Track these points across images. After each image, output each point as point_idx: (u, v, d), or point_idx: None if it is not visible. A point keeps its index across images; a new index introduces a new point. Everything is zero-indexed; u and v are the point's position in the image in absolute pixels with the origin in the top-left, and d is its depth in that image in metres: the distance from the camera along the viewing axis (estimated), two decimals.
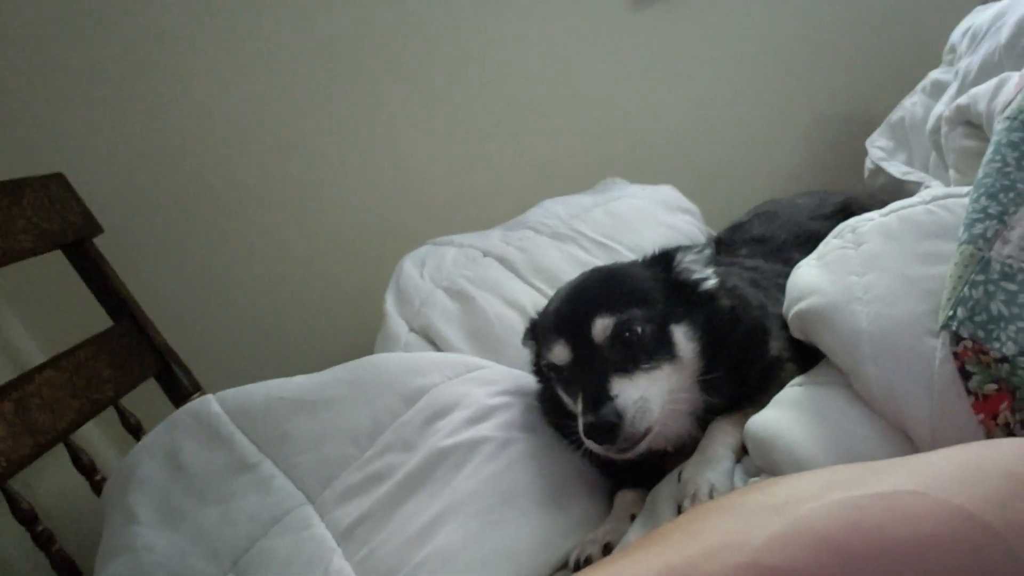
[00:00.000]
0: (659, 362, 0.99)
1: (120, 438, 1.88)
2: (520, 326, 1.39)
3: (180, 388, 1.88)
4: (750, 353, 1.04)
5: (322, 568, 0.97)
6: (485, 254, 1.61)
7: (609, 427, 0.92)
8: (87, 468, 1.58)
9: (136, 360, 1.80)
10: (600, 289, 1.08)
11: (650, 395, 0.96)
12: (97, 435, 2.05)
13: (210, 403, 1.24)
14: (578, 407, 0.98)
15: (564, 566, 0.96)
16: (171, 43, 2.01)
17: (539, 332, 1.13)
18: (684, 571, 0.50)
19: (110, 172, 2.04)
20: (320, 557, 0.99)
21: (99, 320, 1.81)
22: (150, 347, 1.86)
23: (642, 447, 0.96)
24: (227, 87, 2.05)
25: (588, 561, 0.92)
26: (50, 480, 1.63)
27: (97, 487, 1.59)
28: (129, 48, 2.00)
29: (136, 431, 1.75)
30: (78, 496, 1.64)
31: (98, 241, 1.84)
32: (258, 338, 2.21)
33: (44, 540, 1.39)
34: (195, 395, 1.86)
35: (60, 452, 1.51)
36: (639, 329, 0.99)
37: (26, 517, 1.37)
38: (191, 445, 1.19)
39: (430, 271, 1.61)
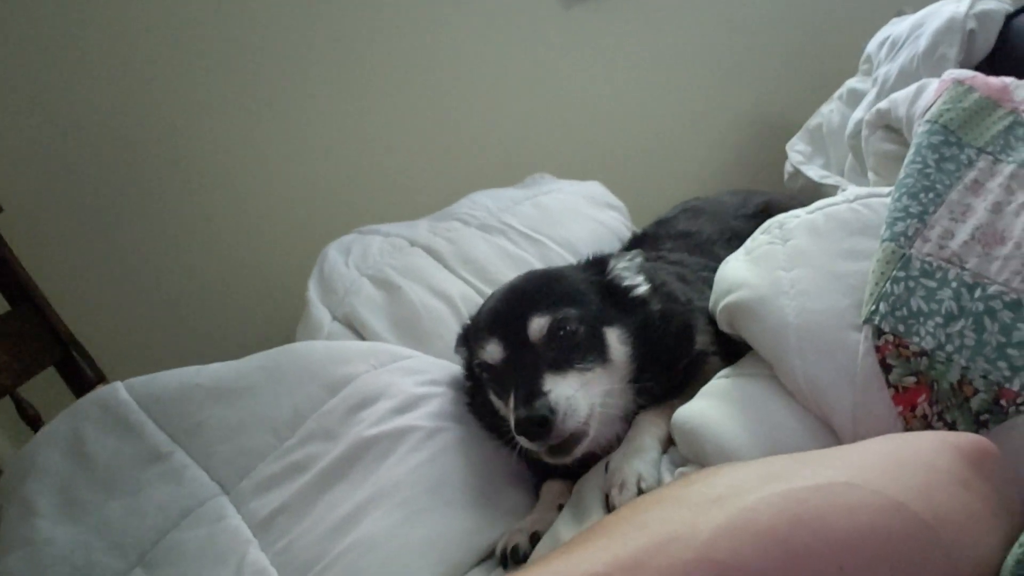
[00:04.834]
0: (592, 363, 0.99)
1: (17, 430, 1.79)
2: (447, 317, 1.39)
3: (82, 377, 1.80)
4: (678, 349, 1.06)
5: (236, 560, 0.94)
6: (412, 244, 1.58)
7: (541, 421, 0.91)
8: None
9: (35, 347, 1.72)
10: (536, 289, 1.08)
11: (582, 394, 0.95)
12: None
13: (118, 390, 1.18)
14: (509, 405, 0.97)
15: (490, 555, 0.96)
16: (76, 17, 1.91)
17: (472, 332, 1.11)
18: (632, 565, 0.50)
19: (10, 148, 1.93)
20: (234, 549, 0.96)
21: None
22: (51, 334, 1.77)
23: (578, 452, 0.96)
24: (140, 62, 1.96)
25: (515, 550, 0.92)
26: None
27: None
28: (27, 24, 1.89)
29: (35, 422, 1.67)
30: None
31: None
32: (170, 326, 2.13)
33: None
34: (99, 385, 1.78)
35: None
36: (574, 329, 1.00)
37: None
38: (97, 434, 1.13)
39: (355, 259, 1.58)
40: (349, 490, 1.01)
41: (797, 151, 1.80)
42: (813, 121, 1.84)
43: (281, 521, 0.99)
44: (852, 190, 1.03)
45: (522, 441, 0.94)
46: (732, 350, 1.03)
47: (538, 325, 0.99)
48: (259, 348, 1.24)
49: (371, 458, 1.04)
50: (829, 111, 1.81)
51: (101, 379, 1.82)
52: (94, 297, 2.05)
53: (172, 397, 1.15)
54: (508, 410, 0.97)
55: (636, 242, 1.51)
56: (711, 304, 1.05)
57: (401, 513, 0.97)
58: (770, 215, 1.09)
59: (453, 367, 1.21)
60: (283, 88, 2.05)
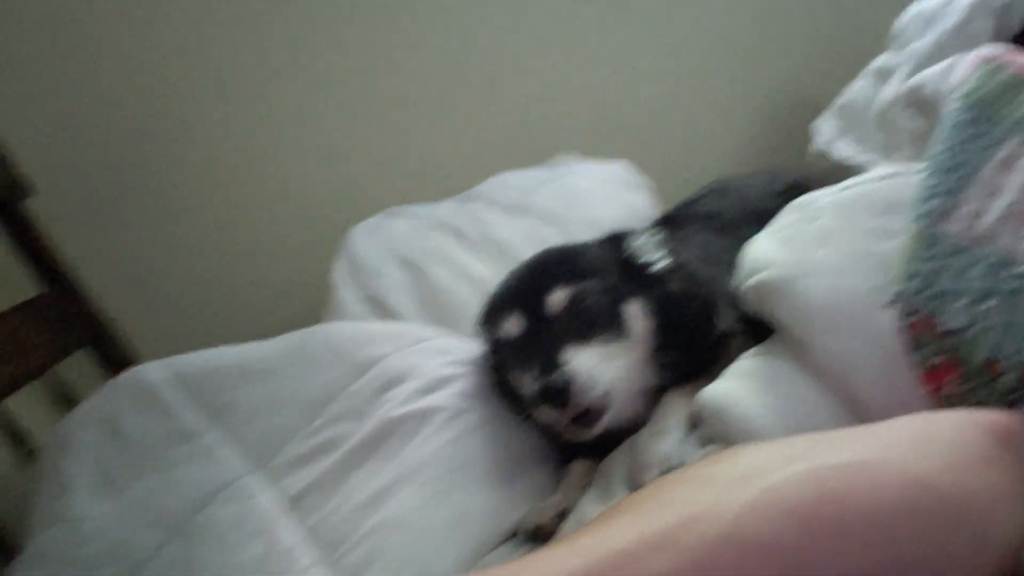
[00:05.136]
0: (612, 337, 1.00)
1: (51, 409, 1.82)
2: (472, 298, 1.39)
3: (115, 358, 1.83)
4: (700, 329, 1.05)
5: (268, 536, 0.95)
6: (437, 225, 1.59)
7: (559, 390, 0.91)
8: (16, 438, 1.52)
9: (69, 328, 1.74)
10: (554, 264, 1.09)
11: (603, 366, 0.96)
12: (26, 406, 1.98)
13: (149, 371, 1.20)
14: (529, 378, 0.98)
15: (516, 533, 0.97)
16: (105, 5, 1.93)
17: (491, 311, 1.12)
18: (658, 543, 0.50)
19: (43, 132, 1.95)
20: (265, 526, 0.97)
21: (28, 285, 1.75)
22: (84, 314, 1.80)
23: (600, 427, 0.96)
24: (169, 43, 1.98)
25: (541, 529, 0.93)
26: None
27: (27, 458, 1.54)
28: (58, 13, 1.92)
29: (68, 402, 1.70)
30: (5, 467, 1.58)
31: (31, 203, 1.77)
32: (200, 308, 2.15)
33: None
34: (131, 365, 1.81)
35: None
36: (593, 301, 1.00)
37: None
38: (130, 413, 1.15)
39: (381, 241, 1.59)
40: (377, 469, 1.02)
41: (824, 130, 1.78)
42: (841, 100, 1.81)
43: (310, 499, 1.00)
44: (881, 168, 1.02)
45: (542, 412, 0.95)
46: (758, 330, 1.03)
47: (557, 298, 1.00)
48: (287, 329, 1.25)
49: (398, 438, 1.05)
50: (858, 89, 1.78)
51: (133, 359, 1.85)
52: (125, 279, 2.07)
53: (203, 377, 1.17)
54: (528, 383, 0.98)
55: (662, 223, 1.51)
56: (737, 284, 1.05)
57: (428, 492, 0.98)
58: (799, 193, 1.08)
59: (477, 348, 1.22)
60: (308, 71, 2.06)
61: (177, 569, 0.96)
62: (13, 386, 1.50)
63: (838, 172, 1.56)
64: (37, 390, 1.67)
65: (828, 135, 1.76)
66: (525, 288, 1.06)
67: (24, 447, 1.55)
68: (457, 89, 2.15)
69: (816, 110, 1.87)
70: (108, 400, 1.19)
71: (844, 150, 1.66)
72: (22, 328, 1.57)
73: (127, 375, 1.22)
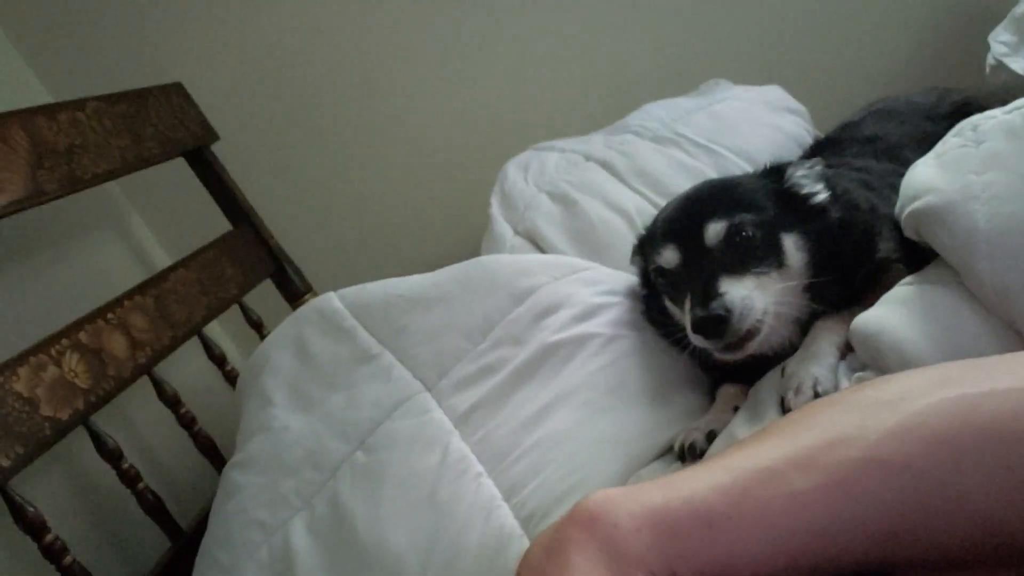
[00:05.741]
0: (768, 268, 1.00)
1: (242, 333, 2.02)
2: (623, 230, 1.42)
3: (293, 288, 2.00)
4: (858, 256, 1.05)
5: (442, 447, 1.05)
6: (587, 158, 1.61)
7: (717, 320, 0.94)
8: (218, 359, 1.71)
9: (254, 262, 1.92)
10: (712, 196, 1.10)
11: (757, 295, 0.97)
12: (220, 331, 2.20)
13: (332, 299, 1.32)
14: (685, 308, 1.01)
15: (669, 451, 1.02)
16: None
17: (648, 241, 1.15)
18: (801, 462, 0.52)
19: (224, 84, 2.12)
20: (439, 439, 1.07)
21: (218, 224, 1.93)
22: (266, 250, 1.98)
23: (750, 348, 0.98)
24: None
25: (692, 446, 0.97)
26: (184, 370, 1.77)
27: (227, 377, 1.73)
28: None
29: (257, 327, 1.88)
30: (210, 384, 1.78)
31: (215, 148, 1.94)
32: (367, 241, 2.30)
33: (187, 421, 1.54)
34: (307, 295, 1.98)
35: (192, 344, 1.64)
36: (750, 233, 1.01)
37: (170, 400, 1.51)
38: (317, 337, 1.28)
39: (533, 176, 1.63)
40: (537, 390, 1.09)
41: (1001, 42, 1.64)
42: (1019, 8, 1.66)
43: (477, 416, 1.09)
44: None
45: (698, 341, 0.98)
46: (918, 258, 1.01)
47: (714, 230, 1.01)
48: (449, 261, 1.33)
49: (556, 361, 1.12)
50: None
51: (308, 290, 2.02)
52: (299, 217, 2.24)
53: (378, 305, 1.27)
54: (684, 313, 1.01)
55: (819, 148, 1.47)
56: (897, 210, 1.03)
57: (585, 411, 1.05)
58: (967, 115, 1.03)
59: (629, 277, 1.26)
60: (463, 15, 2.10)
61: (364, 474, 1.08)
62: (215, 312, 1.68)
63: (1008, 91, 1.46)
64: (232, 317, 1.86)
65: (1005, 47, 1.64)
66: (683, 220, 1.07)
67: (225, 365, 1.73)
68: (602, 18, 2.13)
69: (991, 21, 1.73)
70: (298, 325, 1.32)
71: (1021, 64, 1.55)
72: (217, 262, 1.76)
73: (312, 303, 1.35)
